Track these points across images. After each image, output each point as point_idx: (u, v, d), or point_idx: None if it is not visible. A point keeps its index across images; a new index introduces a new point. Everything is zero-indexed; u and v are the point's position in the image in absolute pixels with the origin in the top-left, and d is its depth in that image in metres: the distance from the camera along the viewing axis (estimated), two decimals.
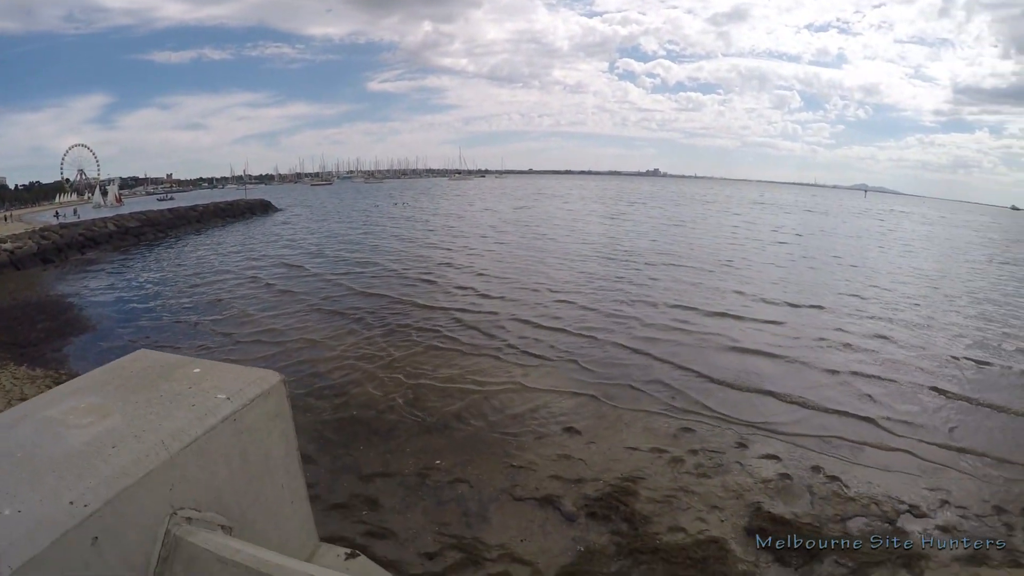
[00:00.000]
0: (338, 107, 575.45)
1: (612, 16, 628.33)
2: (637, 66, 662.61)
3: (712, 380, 9.35)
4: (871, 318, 13.90)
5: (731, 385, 9.17)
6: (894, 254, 30.16)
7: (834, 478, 6.65)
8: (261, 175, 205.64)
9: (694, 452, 7.20)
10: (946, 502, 6.23)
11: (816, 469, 6.84)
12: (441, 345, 10.96)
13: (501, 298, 14.72)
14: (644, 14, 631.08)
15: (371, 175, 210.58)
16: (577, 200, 72.79)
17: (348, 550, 2.39)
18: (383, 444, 7.10)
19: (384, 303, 14.10)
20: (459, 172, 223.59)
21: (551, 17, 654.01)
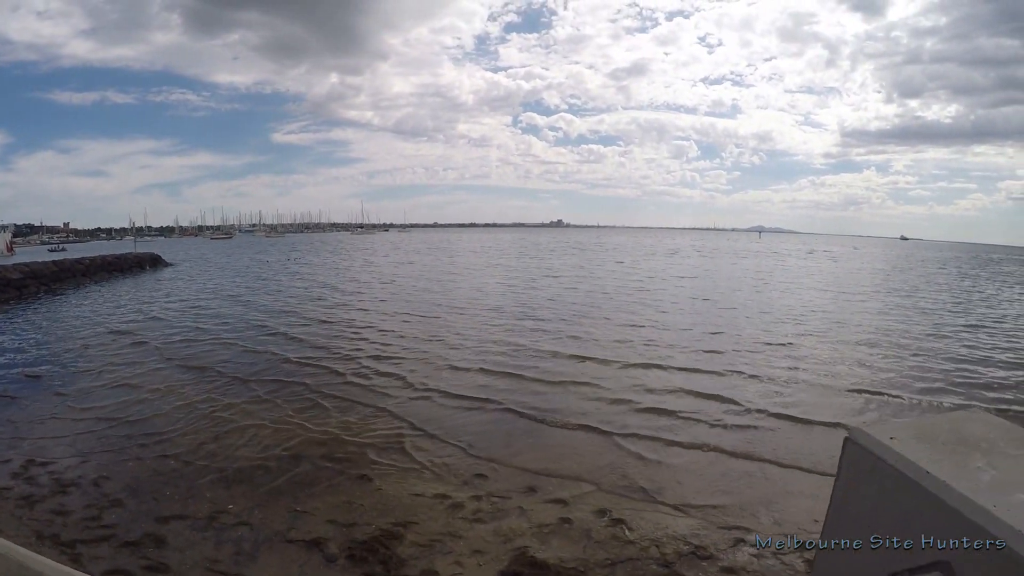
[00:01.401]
0: (242, 158, 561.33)
1: (516, 71, 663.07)
2: (540, 119, 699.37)
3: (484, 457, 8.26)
4: (719, 374, 12.90)
5: (512, 462, 8.11)
6: (773, 294, 30.96)
7: (619, 521, 6.23)
8: (162, 227, 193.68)
9: (477, 498, 6.71)
10: (741, 541, 5.87)
11: (601, 513, 6.41)
12: (243, 422, 10.05)
13: (321, 368, 13.70)
14: (547, 69, 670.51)
15: (273, 229, 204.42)
16: (467, 253, 72.50)
17: None
18: (187, 491, 7.06)
19: (204, 375, 13.14)
20: (361, 226, 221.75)
21: (456, 72, 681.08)
